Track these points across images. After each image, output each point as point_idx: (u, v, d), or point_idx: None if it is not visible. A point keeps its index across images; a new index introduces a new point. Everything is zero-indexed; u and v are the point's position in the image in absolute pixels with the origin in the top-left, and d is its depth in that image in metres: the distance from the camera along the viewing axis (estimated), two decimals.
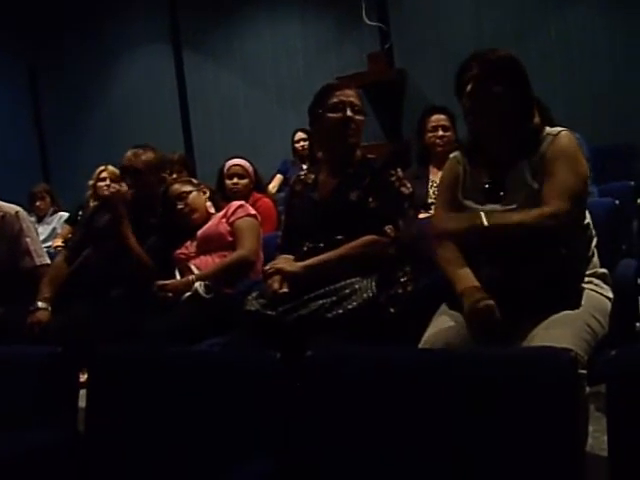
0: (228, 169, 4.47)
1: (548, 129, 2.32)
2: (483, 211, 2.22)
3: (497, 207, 2.29)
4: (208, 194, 3.65)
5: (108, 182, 5.57)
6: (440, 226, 2.32)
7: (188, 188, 3.59)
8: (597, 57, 6.37)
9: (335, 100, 2.78)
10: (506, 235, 2.18)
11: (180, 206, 3.53)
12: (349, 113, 2.77)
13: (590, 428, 2.03)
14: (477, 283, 2.22)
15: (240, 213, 3.47)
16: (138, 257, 3.41)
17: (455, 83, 2.36)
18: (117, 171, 5.39)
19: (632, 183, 4.28)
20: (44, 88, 9.50)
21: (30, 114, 9.58)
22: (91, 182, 5.72)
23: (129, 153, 3.58)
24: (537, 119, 2.40)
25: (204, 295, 3.15)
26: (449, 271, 2.31)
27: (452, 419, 1.61)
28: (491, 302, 2.15)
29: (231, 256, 3.36)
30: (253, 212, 3.54)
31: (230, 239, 3.43)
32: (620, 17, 6.27)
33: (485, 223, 2.15)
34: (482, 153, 2.40)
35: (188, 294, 3.16)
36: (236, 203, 3.57)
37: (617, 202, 2.84)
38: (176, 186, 3.60)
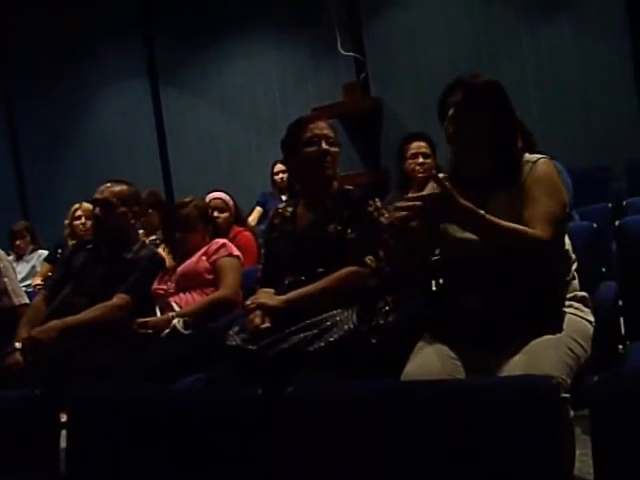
0: (208, 203, 4.46)
1: (527, 156, 2.32)
2: (463, 237, 2.22)
3: None
4: None
5: (83, 220, 5.56)
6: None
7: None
8: (571, 81, 6.45)
9: (309, 134, 2.78)
10: (493, 235, 2.13)
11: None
12: (324, 146, 2.77)
13: (577, 452, 2.02)
14: None
15: (222, 252, 3.47)
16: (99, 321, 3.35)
17: (438, 108, 2.36)
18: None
19: (609, 205, 4.32)
20: (21, 123, 9.49)
21: (8, 150, 9.55)
22: (67, 221, 5.70)
23: (102, 186, 3.60)
24: (520, 144, 2.40)
25: (182, 331, 3.14)
26: None
27: (437, 449, 1.60)
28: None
29: (213, 295, 3.35)
30: (236, 252, 3.53)
31: (209, 277, 3.42)
32: (592, 40, 6.36)
33: (482, 212, 2.10)
34: (463, 179, 2.39)
35: (167, 331, 3.15)
36: (219, 241, 3.56)
37: (595, 225, 2.86)
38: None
